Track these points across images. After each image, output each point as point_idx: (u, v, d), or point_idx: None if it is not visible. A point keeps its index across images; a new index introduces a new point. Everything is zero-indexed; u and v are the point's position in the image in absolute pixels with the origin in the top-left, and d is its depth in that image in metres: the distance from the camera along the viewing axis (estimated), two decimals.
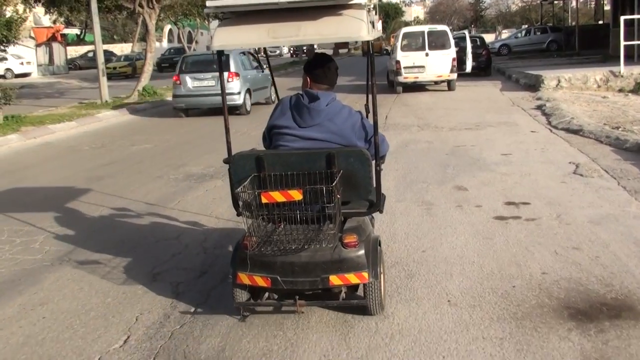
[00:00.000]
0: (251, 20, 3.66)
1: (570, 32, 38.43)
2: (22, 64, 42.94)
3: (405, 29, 21.69)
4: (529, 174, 7.79)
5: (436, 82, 20.28)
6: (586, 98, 15.97)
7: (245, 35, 3.68)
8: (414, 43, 19.85)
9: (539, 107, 14.26)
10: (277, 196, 3.58)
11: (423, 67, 19.22)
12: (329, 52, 46.09)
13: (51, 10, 19.95)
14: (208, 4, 3.59)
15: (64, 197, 7.86)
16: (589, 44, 33.76)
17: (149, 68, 21.60)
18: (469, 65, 21.24)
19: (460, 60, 19.90)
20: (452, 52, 19.40)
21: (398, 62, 19.47)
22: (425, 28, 20.75)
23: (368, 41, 3.70)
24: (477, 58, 24.94)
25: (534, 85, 18.78)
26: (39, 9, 22.10)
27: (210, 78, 15.92)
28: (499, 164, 8.50)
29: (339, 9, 3.61)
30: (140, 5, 20.74)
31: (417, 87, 20.86)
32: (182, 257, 5.47)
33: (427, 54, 19.26)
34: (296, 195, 3.57)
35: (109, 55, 50.46)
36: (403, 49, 19.79)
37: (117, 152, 11.39)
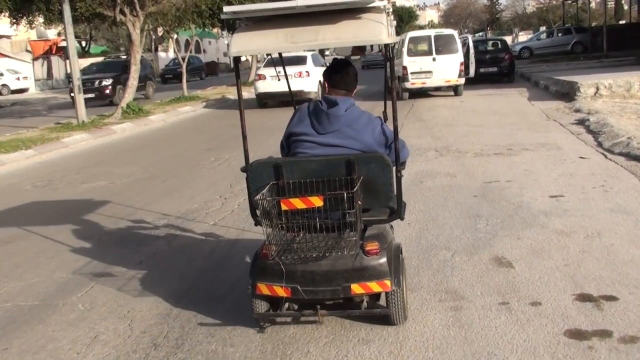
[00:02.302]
0: (268, 25, 3.61)
1: (595, 33, 35.85)
2: (18, 79, 41.05)
3: (411, 33, 20.50)
4: (598, 234, 5.43)
5: (437, 88, 19.28)
6: (633, 109, 13.50)
7: (263, 41, 3.63)
8: (421, 48, 19.02)
9: (581, 122, 11.85)
10: (297, 203, 3.52)
11: (430, 72, 18.52)
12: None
13: (18, 22, 17.81)
14: (225, 9, 3.53)
15: None
16: (616, 45, 31.28)
17: (133, 83, 19.36)
18: (472, 70, 19.99)
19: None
20: (459, 56, 18.61)
21: (405, 67, 18.32)
22: (432, 32, 19.89)
23: (387, 45, 3.70)
24: (499, 63, 22.84)
25: (567, 93, 16.36)
26: (4, 20, 19.87)
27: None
28: (550, 213, 6.14)
29: (358, 12, 3.54)
30: (123, 13, 18.58)
31: (429, 96, 18.78)
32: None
33: (434, 59, 18.55)
34: (317, 201, 3.50)
35: None
36: (409, 53, 18.61)
37: (60, 193, 9.13)
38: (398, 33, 56.35)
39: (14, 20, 17.59)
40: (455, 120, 13.77)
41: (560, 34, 39.23)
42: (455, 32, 20.10)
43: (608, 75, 17.39)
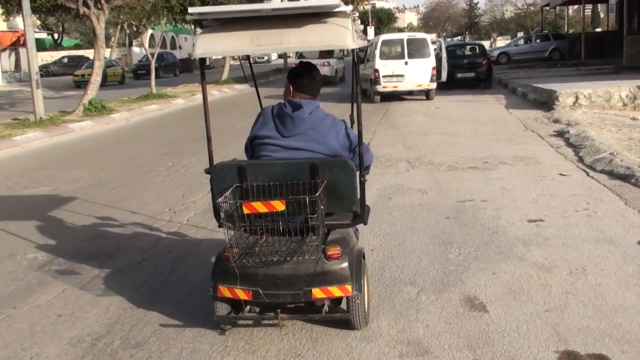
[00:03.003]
0: (234, 27, 3.59)
1: (573, 40, 35.66)
2: None
3: (383, 37, 20.33)
4: (583, 270, 4.81)
5: (409, 92, 19.30)
6: (613, 120, 13.05)
7: (228, 43, 3.62)
8: (393, 51, 19.11)
9: (560, 134, 11.32)
10: (259, 207, 3.46)
11: (402, 75, 18.34)
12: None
13: None
14: (190, 10, 3.47)
15: None
16: (594, 53, 31.11)
17: (96, 79, 18.52)
18: (444, 75, 20.02)
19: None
20: (431, 60, 18.48)
21: (377, 70, 18.11)
22: (405, 36, 19.72)
23: (353, 50, 3.66)
24: (476, 68, 22.36)
25: (545, 102, 15.86)
26: None
27: None
28: (529, 242, 5.51)
29: (324, 17, 3.53)
30: (86, 6, 17.71)
31: (403, 101, 18.22)
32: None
33: (406, 63, 18.38)
34: (279, 205, 3.44)
35: (84, 61, 47.39)
36: (382, 57, 18.43)
37: None
38: (377, 34, 56.23)
39: None
40: (430, 127, 13.18)
41: (538, 40, 38.96)
42: (427, 36, 20.10)
43: (587, 84, 16.94)
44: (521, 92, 19.05)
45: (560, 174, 8.18)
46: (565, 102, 15.13)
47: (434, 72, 18.38)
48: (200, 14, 3.52)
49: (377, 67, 18.22)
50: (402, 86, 18.43)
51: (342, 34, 3.45)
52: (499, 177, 8.14)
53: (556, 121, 12.93)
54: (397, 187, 7.86)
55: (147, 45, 28.92)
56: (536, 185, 7.62)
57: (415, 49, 18.56)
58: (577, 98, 15.25)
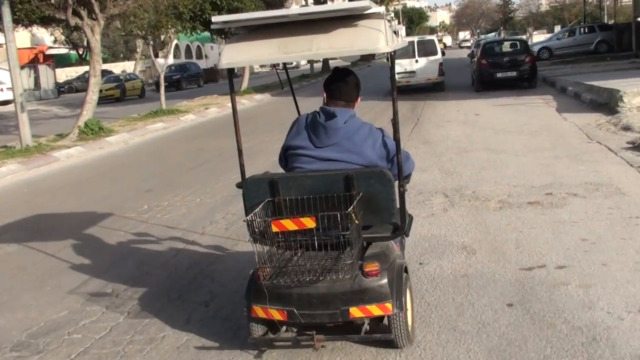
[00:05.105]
0: (261, 35, 3.47)
1: (621, 30, 32.81)
2: (1, 90, 38.54)
3: None
4: None
5: (421, 86, 21.41)
6: None
7: (255, 52, 3.47)
8: (405, 51, 20.69)
9: (637, 147, 8.94)
10: (289, 224, 3.30)
11: (414, 72, 21.29)
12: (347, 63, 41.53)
13: None
14: (214, 19, 3.39)
15: None
16: None
17: (92, 98, 16.63)
18: None
19: None
20: (439, 57, 21.42)
21: None
22: (415, 38, 22.85)
23: (389, 53, 3.42)
24: (518, 66, 20.05)
25: (606, 103, 13.42)
26: None
27: None
28: None
29: (355, 19, 3.38)
30: (79, 16, 15.86)
31: (436, 107, 15.95)
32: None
33: (416, 61, 21.25)
34: (309, 223, 3.27)
35: (105, 75, 46.01)
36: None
37: None
38: (408, 34, 55.21)
39: None
40: (471, 142, 10.87)
41: (582, 33, 36.04)
42: (435, 38, 23.66)
43: None
44: (573, 91, 16.58)
45: None
46: (632, 103, 12.66)
47: (442, 68, 21.13)
48: (224, 22, 3.39)
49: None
50: (414, 80, 21.27)
51: (375, 37, 3.29)
52: (572, 220, 5.85)
53: (627, 128, 10.53)
54: (432, 240, 5.65)
55: (172, 56, 27.06)
56: (631, 234, 5.32)
57: (425, 49, 21.40)
58: None
